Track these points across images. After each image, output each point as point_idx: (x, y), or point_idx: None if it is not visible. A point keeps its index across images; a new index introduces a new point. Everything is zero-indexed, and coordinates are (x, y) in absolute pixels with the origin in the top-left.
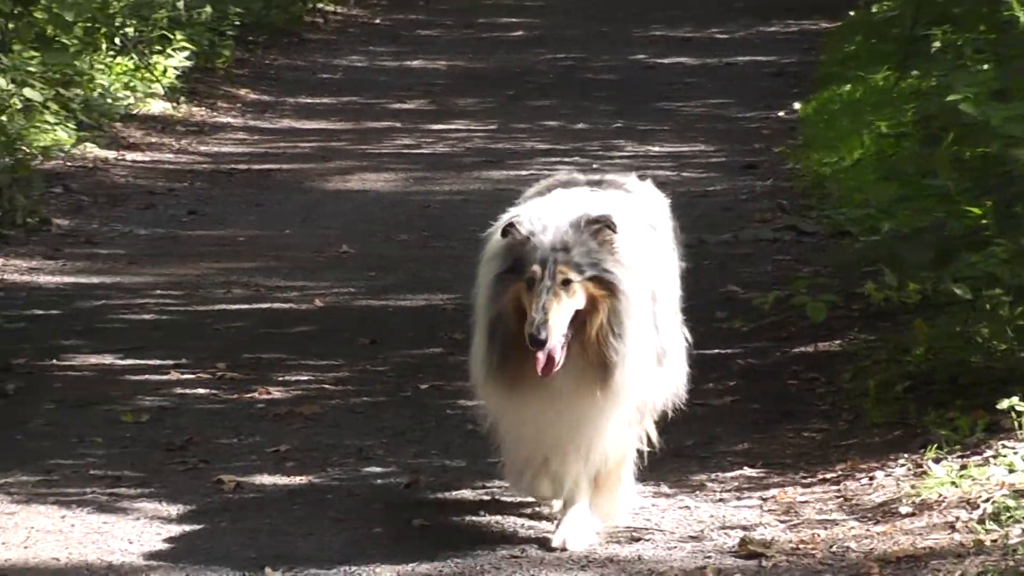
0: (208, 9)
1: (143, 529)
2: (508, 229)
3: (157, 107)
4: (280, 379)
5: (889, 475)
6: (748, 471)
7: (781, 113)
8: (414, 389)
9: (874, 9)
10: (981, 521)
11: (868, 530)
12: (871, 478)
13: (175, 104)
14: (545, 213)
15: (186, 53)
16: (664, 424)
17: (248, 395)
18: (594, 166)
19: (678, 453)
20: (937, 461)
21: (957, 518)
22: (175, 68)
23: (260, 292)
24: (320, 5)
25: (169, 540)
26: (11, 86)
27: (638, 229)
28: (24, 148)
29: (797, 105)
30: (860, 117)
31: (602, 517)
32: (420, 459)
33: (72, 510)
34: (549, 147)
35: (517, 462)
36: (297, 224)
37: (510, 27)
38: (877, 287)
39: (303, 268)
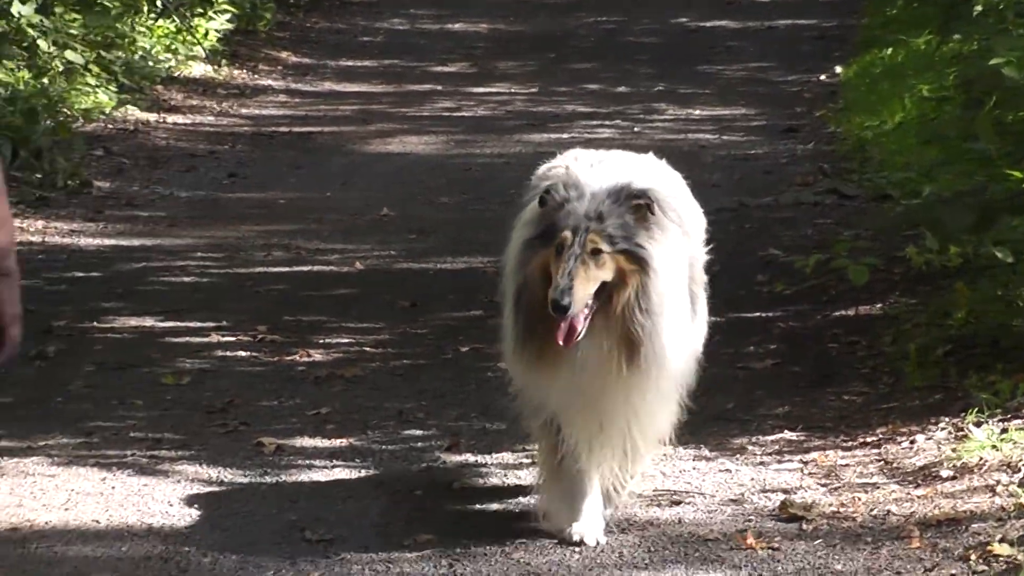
0: None
1: (183, 491)
2: (544, 196)
3: (198, 70)
4: (320, 342)
5: (930, 438)
6: (789, 434)
7: (823, 77)
8: (454, 352)
9: None
10: (1022, 484)
11: (908, 493)
12: (912, 441)
13: (216, 67)
14: (583, 179)
15: (228, 16)
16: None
17: (288, 358)
18: (635, 129)
19: (719, 416)
20: (978, 424)
21: (998, 481)
22: (216, 31)
23: (300, 255)
24: None
25: (209, 502)
26: (53, 48)
27: (675, 204)
28: (65, 111)
29: (839, 69)
30: (902, 81)
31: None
32: (460, 422)
33: (112, 472)
34: (590, 110)
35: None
36: (337, 187)
37: None
38: (918, 251)
39: (343, 231)
